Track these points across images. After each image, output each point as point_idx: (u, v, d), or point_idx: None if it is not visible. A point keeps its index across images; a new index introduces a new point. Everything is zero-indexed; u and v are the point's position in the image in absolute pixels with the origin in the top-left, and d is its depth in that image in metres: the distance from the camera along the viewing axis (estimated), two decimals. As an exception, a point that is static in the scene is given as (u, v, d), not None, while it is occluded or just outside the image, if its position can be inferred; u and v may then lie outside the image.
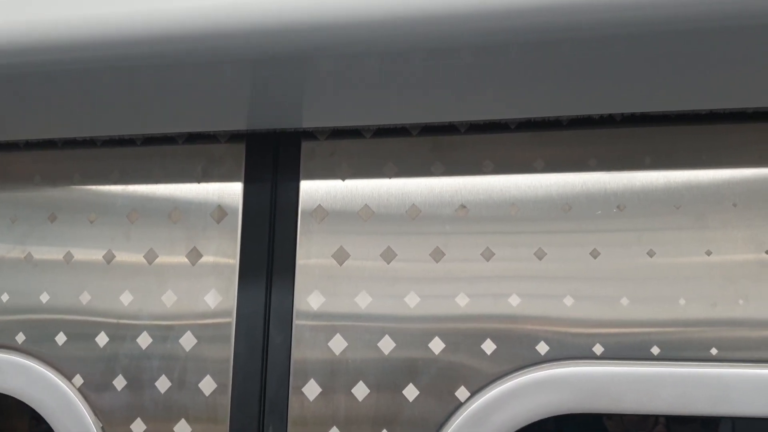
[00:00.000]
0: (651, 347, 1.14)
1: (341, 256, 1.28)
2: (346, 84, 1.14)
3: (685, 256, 1.17)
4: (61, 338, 1.37)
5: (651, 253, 1.18)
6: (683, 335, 1.14)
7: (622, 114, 1.22)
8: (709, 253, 1.16)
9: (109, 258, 1.39)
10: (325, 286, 1.28)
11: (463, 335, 1.21)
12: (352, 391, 1.23)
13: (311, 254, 1.30)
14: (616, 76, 1.06)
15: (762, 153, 1.18)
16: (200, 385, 1.29)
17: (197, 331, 1.31)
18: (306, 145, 1.35)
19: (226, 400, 1.28)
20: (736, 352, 1.12)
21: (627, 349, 1.15)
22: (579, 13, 0.92)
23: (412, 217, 1.28)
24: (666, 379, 1.12)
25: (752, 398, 1.09)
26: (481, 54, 1.02)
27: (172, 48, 1.05)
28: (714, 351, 1.13)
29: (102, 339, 1.35)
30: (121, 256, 1.38)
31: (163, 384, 1.31)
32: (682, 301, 1.15)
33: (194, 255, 1.35)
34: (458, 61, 1.04)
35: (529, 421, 1.15)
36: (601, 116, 1.23)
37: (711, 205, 1.18)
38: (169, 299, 1.34)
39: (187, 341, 1.31)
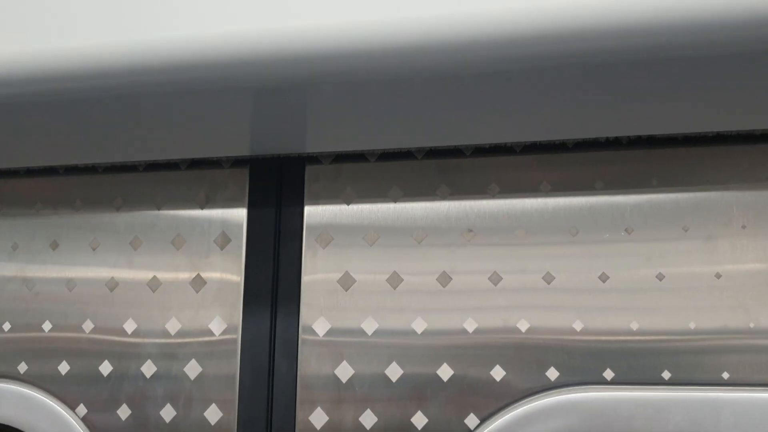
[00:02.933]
0: (662, 371, 1.17)
1: (347, 281, 1.31)
2: (349, 110, 1.17)
3: (694, 279, 1.19)
4: (64, 367, 1.40)
5: (660, 277, 1.20)
6: (694, 359, 1.16)
7: (628, 137, 1.25)
8: (718, 276, 1.18)
9: (112, 285, 1.41)
10: (331, 312, 1.30)
11: (472, 361, 1.23)
12: (360, 419, 1.25)
13: (316, 280, 1.32)
14: (621, 100, 1.09)
15: (770, 174, 1.21)
16: (206, 413, 1.32)
17: (202, 359, 1.34)
18: (310, 170, 1.38)
19: (232, 430, 1.30)
20: (747, 375, 1.14)
21: (638, 373, 1.18)
22: (583, 40, 0.95)
23: (419, 241, 1.31)
24: (677, 404, 1.14)
25: (764, 423, 1.11)
26: (485, 80, 1.05)
27: (174, 77, 1.08)
28: (725, 375, 1.15)
29: (106, 368, 1.38)
30: (125, 283, 1.41)
31: (168, 413, 1.33)
32: (692, 325, 1.17)
33: (198, 282, 1.38)
34: (462, 87, 1.07)
35: (540, 448, 1.17)
36: (607, 139, 1.26)
37: (720, 228, 1.20)
38: (173, 327, 1.37)
39: (192, 369, 1.34)
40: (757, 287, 1.17)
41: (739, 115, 1.15)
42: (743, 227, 1.20)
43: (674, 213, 1.22)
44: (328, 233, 1.34)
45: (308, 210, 1.36)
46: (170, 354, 1.36)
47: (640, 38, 0.95)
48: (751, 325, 1.16)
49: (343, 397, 1.26)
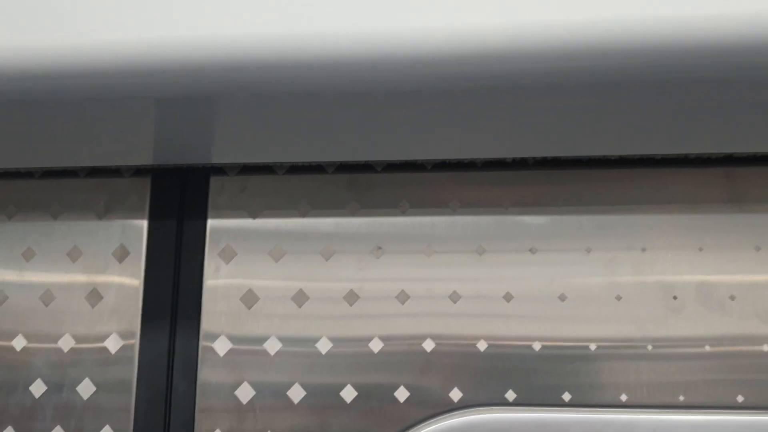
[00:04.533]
0: (562, 393, 1.20)
1: (250, 299, 1.30)
2: (256, 123, 1.16)
3: (595, 300, 1.23)
4: (-55, 386, 1.34)
5: (563, 297, 1.23)
6: (594, 381, 1.20)
7: (534, 158, 1.28)
8: (619, 298, 1.22)
9: (1, 299, 1.36)
10: (233, 331, 1.29)
11: (376, 383, 1.24)
12: (261, 441, 1.24)
13: (218, 297, 1.31)
14: (527, 123, 1.12)
15: (670, 198, 1.26)
16: (98, 435, 1.28)
17: (96, 378, 1.30)
18: (215, 181, 1.36)
19: (127, 452, 1.27)
20: (644, 397, 1.19)
21: (539, 394, 1.20)
22: (489, 64, 0.96)
23: (326, 257, 1.31)
24: (576, 425, 1.17)
25: (660, 444, 1.15)
26: (393, 99, 1.06)
27: (71, 83, 1.05)
28: (624, 397, 1.19)
29: (-9, 387, 1.33)
30: (15, 297, 1.36)
31: (58, 435, 1.29)
32: (592, 346, 1.21)
33: (94, 296, 1.34)
34: (372, 104, 1.08)
35: (442, 470, 1.19)
36: (514, 159, 1.28)
37: (621, 250, 1.24)
38: (66, 343, 1.33)
39: (85, 389, 1.30)
40: (655, 310, 1.21)
41: (641, 140, 1.19)
42: (643, 250, 1.24)
43: (578, 234, 1.26)
44: (232, 248, 1.33)
45: (211, 223, 1.34)
46: (62, 372, 1.31)
47: (545, 64, 0.97)
48: (649, 347, 1.20)
49: (244, 418, 1.25)
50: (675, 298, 1.22)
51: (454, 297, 1.26)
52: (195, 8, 1.02)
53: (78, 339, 1.33)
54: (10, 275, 1.37)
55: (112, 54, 1.03)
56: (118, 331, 1.32)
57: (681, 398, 1.18)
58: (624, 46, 0.95)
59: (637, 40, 0.95)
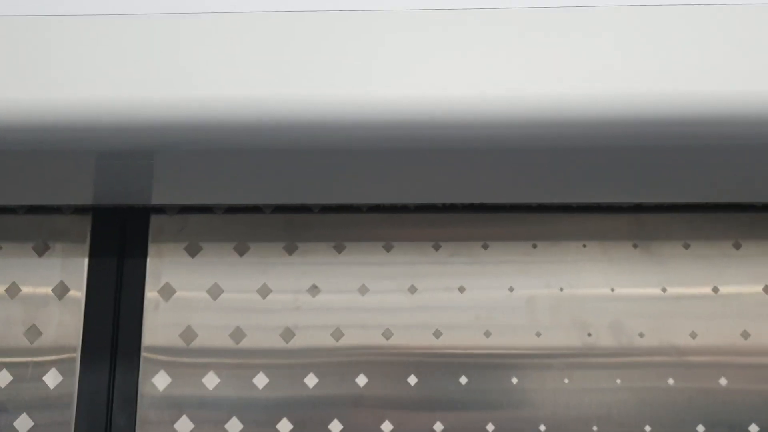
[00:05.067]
0: (487, 425, 1.28)
1: (189, 335, 1.35)
2: (194, 172, 1.22)
3: (517, 337, 1.33)
4: None
5: (488, 334, 1.33)
6: (514, 415, 1.29)
7: (463, 203, 1.37)
8: (539, 335, 1.32)
9: (-64, 335, 1.38)
10: (171, 367, 1.33)
11: (312, 418, 1.30)
12: (199, 475, 1.29)
13: (157, 333, 1.35)
14: (456, 174, 1.21)
15: (585, 241, 1.37)
16: (36, 471, 1.31)
17: (34, 414, 1.33)
18: (155, 220, 1.41)
19: (64, 488, 1.30)
20: (560, 429, 1.28)
21: (466, 425, 1.29)
22: (415, 129, 1.05)
23: (263, 296, 1.37)
24: None
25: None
26: (327, 154, 1.13)
27: (14, 136, 1.09)
28: (542, 428, 1.28)
29: (-75, 423, 1.34)
30: (-49, 333, 1.38)
31: (-7, 471, 1.31)
32: (514, 381, 1.30)
33: (33, 333, 1.37)
34: (306, 157, 1.15)
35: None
36: (444, 204, 1.37)
37: (540, 289, 1.34)
38: (3, 378, 1.35)
39: (23, 425, 1.32)
40: (572, 345, 1.32)
41: (556, 189, 1.29)
42: (561, 290, 1.34)
43: (501, 274, 1.35)
44: (171, 286, 1.37)
45: (151, 261, 1.39)
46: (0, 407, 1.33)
47: (473, 131, 1.06)
48: (566, 380, 1.30)
49: (182, 452, 1.30)
50: (589, 335, 1.32)
51: (387, 334, 1.34)
52: (137, 69, 1.07)
53: (16, 374, 1.35)
54: (-54, 311, 1.39)
55: (54, 110, 1.07)
56: (58, 368, 1.34)
57: (594, 428, 1.28)
58: (545, 118, 1.05)
59: (557, 114, 1.05)
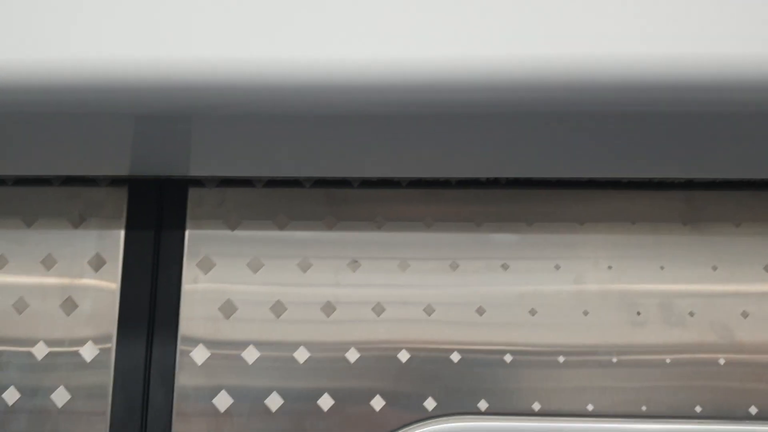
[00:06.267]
0: (533, 403, 1.28)
1: (228, 309, 1.34)
2: (233, 140, 1.21)
3: (564, 315, 1.31)
4: None
5: (533, 312, 1.32)
6: (562, 391, 1.28)
7: (507, 177, 1.36)
8: (586, 313, 1.31)
9: (-28, 306, 1.38)
10: (211, 341, 1.33)
11: (353, 392, 1.30)
12: (238, 449, 1.29)
13: (196, 306, 1.35)
14: (500, 145, 1.19)
15: (634, 219, 1.35)
16: (73, 443, 1.31)
17: (71, 386, 1.33)
18: (193, 193, 1.41)
19: (101, 461, 1.30)
20: (609, 407, 1.27)
21: (510, 404, 1.28)
22: (462, 91, 1.03)
23: (304, 269, 1.36)
24: (545, 434, 1.25)
25: (623, 452, 1.24)
26: (370, 120, 1.12)
27: (49, 98, 1.08)
28: (590, 407, 1.27)
29: (-39, 394, 1.34)
30: (-13, 305, 1.38)
31: (31, 443, 1.31)
32: (561, 359, 1.29)
33: (69, 305, 1.37)
34: (347, 126, 1.14)
35: (416, 477, 1.25)
36: (488, 179, 1.36)
37: (587, 267, 1.33)
38: (40, 352, 1.35)
39: (60, 397, 1.32)
40: (620, 323, 1.30)
41: (607, 164, 1.28)
42: (609, 268, 1.33)
43: (546, 251, 1.34)
44: (211, 259, 1.37)
45: (190, 234, 1.38)
46: (36, 380, 1.33)
47: (521, 93, 1.04)
48: (614, 359, 1.29)
49: (221, 427, 1.29)
50: (638, 313, 1.31)
51: (429, 310, 1.33)
52: (177, 29, 1.06)
53: (52, 346, 1.35)
54: (-19, 282, 1.39)
55: (92, 70, 1.06)
56: (94, 339, 1.34)
57: (643, 408, 1.27)
58: (597, 81, 1.03)
59: (608, 76, 1.03)
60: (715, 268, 1.33)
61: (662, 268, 1.34)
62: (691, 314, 1.31)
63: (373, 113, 1.09)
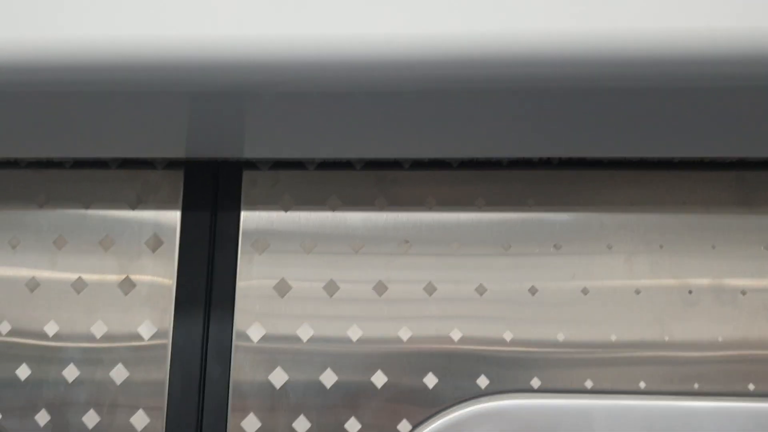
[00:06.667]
0: (585, 381, 1.29)
1: (283, 288, 1.37)
2: (288, 119, 1.23)
3: (616, 294, 1.33)
4: (-24, 371, 1.39)
5: (585, 291, 1.33)
6: (614, 370, 1.30)
7: (560, 158, 1.38)
8: (638, 292, 1.33)
9: (32, 286, 1.42)
10: (266, 319, 1.36)
11: (406, 369, 1.32)
12: (293, 425, 1.31)
13: (251, 286, 1.38)
14: (553, 124, 1.21)
15: (685, 198, 1.37)
16: (132, 420, 1.34)
17: (129, 363, 1.37)
18: (248, 175, 1.44)
19: (160, 436, 1.34)
20: (661, 385, 1.29)
21: (562, 382, 1.30)
22: (516, 66, 1.05)
23: (356, 250, 1.39)
24: (598, 411, 1.27)
25: (675, 427, 1.25)
26: (423, 97, 1.14)
27: (107, 76, 1.11)
28: (642, 384, 1.29)
29: (23, 371, 1.38)
30: (47, 284, 1.42)
31: (91, 419, 1.35)
32: (613, 338, 1.31)
33: (127, 284, 1.40)
34: (400, 103, 1.16)
35: (469, 453, 1.28)
36: (540, 159, 1.38)
37: (640, 246, 1.35)
38: (99, 330, 1.39)
39: (119, 374, 1.36)
40: (672, 303, 1.32)
41: (660, 144, 1.29)
42: (661, 247, 1.35)
43: (599, 231, 1.36)
44: (265, 239, 1.40)
45: (245, 215, 1.42)
46: (95, 358, 1.37)
47: (571, 69, 1.06)
48: (666, 338, 1.30)
49: (277, 404, 1.32)
50: (690, 292, 1.32)
51: (480, 290, 1.35)
52: (232, 6, 1.08)
53: (110, 326, 1.39)
54: (41, 263, 1.43)
55: (148, 48, 1.09)
56: (152, 319, 1.38)
57: (695, 386, 1.28)
58: (648, 56, 1.05)
59: (659, 50, 1.04)
60: (767, 248, 1.34)
61: (714, 247, 1.35)
62: (743, 293, 1.32)
63: (425, 90, 1.11)
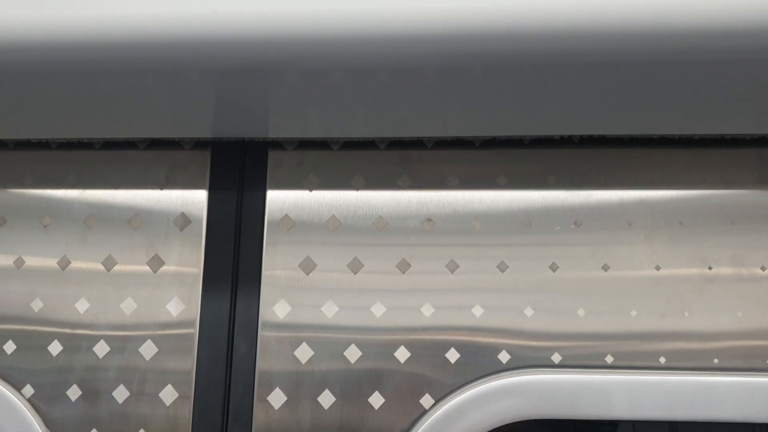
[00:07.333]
0: (605, 356, 1.32)
1: (308, 266, 1.41)
2: (312, 97, 1.27)
3: (636, 270, 1.35)
4: (9, 347, 1.43)
5: (605, 268, 1.36)
6: (634, 345, 1.32)
7: (580, 135, 1.40)
8: (658, 268, 1.35)
9: (63, 264, 1.46)
10: (291, 296, 1.40)
11: (428, 345, 1.35)
12: (318, 399, 1.35)
13: (277, 264, 1.42)
14: (574, 101, 1.23)
15: (705, 176, 1.39)
16: (161, 395, 1.39)
17: (158, 340, 1.41)
18: (273, 155, 1.47)
19: (188, 411, 1.38)
20: (681, 361, 1.31)
21: (583, 357, 1.33)
22: (539, 41, 1.07)
23: (379, 228, 1.42)
24: (618, 386, 1.29)
25: (695, 403, 1.27)
26: (446, 75, 1.17)
27: (136, 54, 1.14)
28: (662, 360, 1.31)
29: (55, 348, 1.42)
30: (77, 263, 1.46)
31: (120, 394, 1.39)
32: (633, 313, 1.33)
33: (156, 262, 1.45)
34: (424, 80, 1.18)
35: (491, 427, 1.30)
36: (561, 137, 1.40)
37: (660, 224, 1.37)
38: (128, 307, 1.43)
39: (148, 350, 1.40)
40: (691, 279, 1.34)
41: (680, 121, 1.31)
42: (681, 223, 1.37)
43: (619, 208, 1.38)
44: (290, 218, 1.44)
45: (270, 195, 1.45)
46: (125, 335, 1.42)
47: (593, 43, 1.08)
48: (686, 314, 1.32)
49: (302, 378, 1.36)
50: (710, 268, 1.34)
51: (502, 266, 1.38)
52: None
53: (140, 302, 1.43)
54: (71, 241, 1.47)
55: (174, 26, 1.12)
56: (180, 295, 1.42)
57: (715, 361, 1.30)
58: (669, 28, 1.06)
59: (680, 23, 1.06)
60: (787, 225, 1.36)
61: (733, 223, 1.36)
62: (763, 269, 1.34)
63: (447, 65, 1.14)
